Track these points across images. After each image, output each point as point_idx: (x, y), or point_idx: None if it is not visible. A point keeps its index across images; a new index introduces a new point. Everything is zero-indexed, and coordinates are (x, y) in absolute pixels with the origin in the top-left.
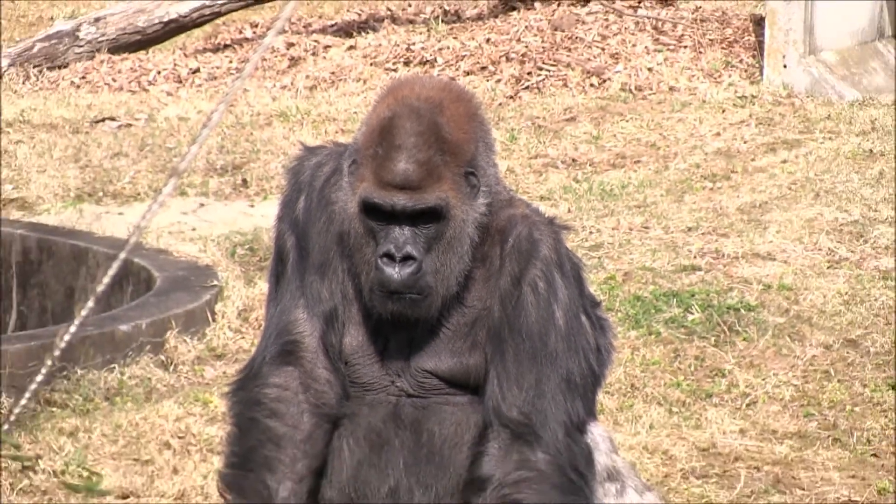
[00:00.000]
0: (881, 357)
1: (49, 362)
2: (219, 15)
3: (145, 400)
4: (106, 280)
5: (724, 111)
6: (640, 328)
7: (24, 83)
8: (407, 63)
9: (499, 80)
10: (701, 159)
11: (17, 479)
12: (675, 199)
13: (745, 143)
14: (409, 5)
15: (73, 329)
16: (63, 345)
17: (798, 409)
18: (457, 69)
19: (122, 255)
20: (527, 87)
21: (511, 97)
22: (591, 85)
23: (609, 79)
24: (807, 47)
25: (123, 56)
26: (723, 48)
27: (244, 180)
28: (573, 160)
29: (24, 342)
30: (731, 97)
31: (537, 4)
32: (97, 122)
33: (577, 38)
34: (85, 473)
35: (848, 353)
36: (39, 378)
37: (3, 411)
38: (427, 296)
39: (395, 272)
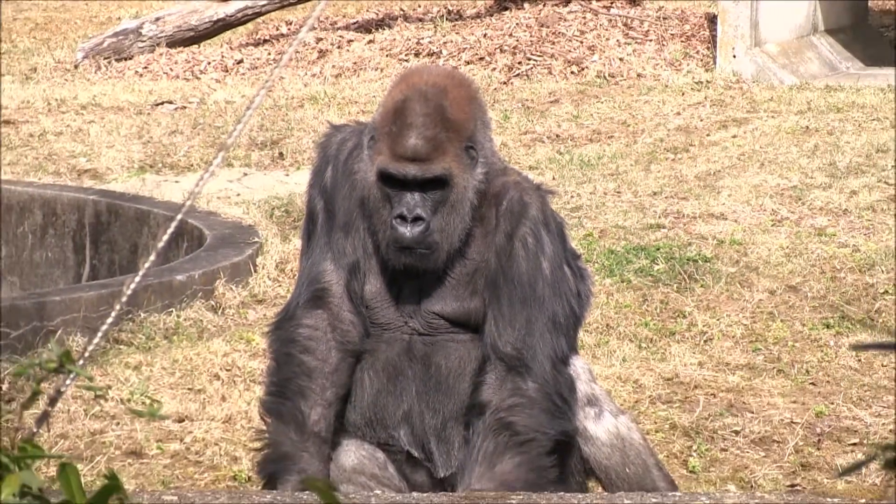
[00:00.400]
0: (817, 301)
1: (117, 307)
2: (259, 14)
3: (198, 338)
4: (165, 238)
5: (683, 94)
6: (613, 277)
7: (95, 72)
8: (417, 54)
9: (494, 69)
10: (664, 135)
11: (90, 405)
12: (643, 168)
13: (701, 121)
14: (419, 6)
15: (137, 279)
16: (129, 292)
17: (748, 344)
18: (459, 59)
19: (179, 217)
20: (517, 75)
21: (504, 83)
22: (572, 72)
23: (587, 67)
24: (753, 40)
25: (179, 49)
26: (682, 41)
27: (281, 153)
28: (557, 136)
29: (97, 290)
30: (689, 83)
31: (526, 5)
32: (157, 105)
33: (559, 33)
34: (147, 401)
35: (789, 297)
36: (109, 320)
37: (78, 349)
38: (434, 250)
39: (407, 231)
